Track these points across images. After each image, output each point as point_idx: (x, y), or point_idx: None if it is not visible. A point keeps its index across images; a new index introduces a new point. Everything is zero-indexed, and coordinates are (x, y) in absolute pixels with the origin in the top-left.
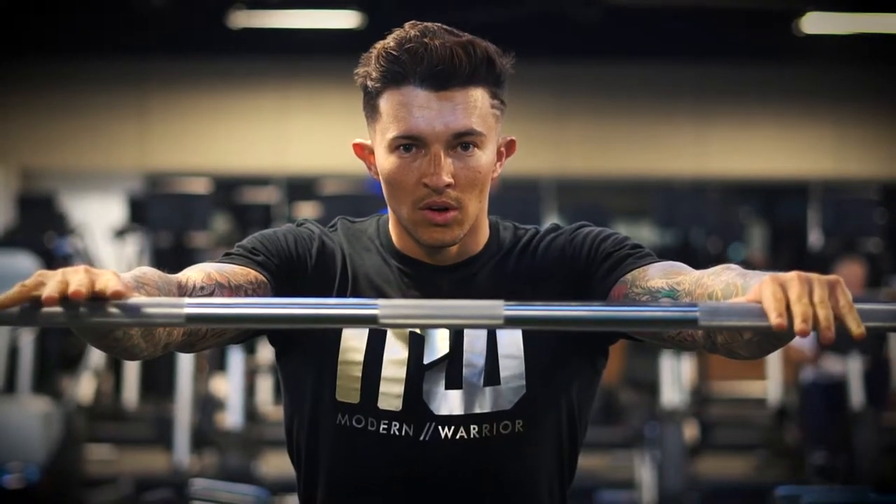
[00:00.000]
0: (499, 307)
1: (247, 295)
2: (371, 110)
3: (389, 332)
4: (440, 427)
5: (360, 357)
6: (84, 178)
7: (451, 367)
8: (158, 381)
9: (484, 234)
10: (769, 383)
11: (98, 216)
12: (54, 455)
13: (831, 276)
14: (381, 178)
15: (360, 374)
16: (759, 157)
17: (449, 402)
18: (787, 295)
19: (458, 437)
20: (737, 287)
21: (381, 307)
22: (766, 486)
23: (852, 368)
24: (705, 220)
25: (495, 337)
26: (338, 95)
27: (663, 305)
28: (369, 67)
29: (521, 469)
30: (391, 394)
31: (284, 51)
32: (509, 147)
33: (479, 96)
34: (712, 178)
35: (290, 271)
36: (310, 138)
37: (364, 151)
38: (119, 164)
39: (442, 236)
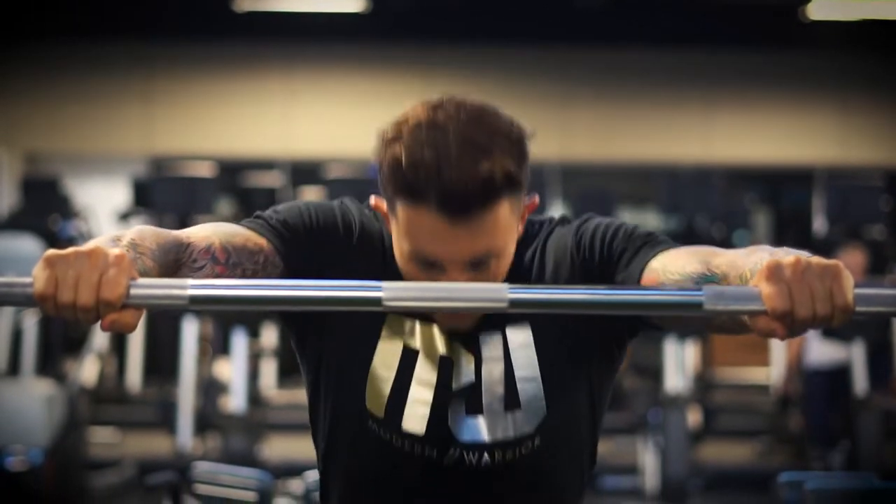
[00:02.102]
0: (503, 290)
1: (244, 274)
2: (388, 201)
3: (421, 354)
4: (465, 453)
5: (392, 374)
6: (89, 162)
7: (473, 393)
8: (162, 365)
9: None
10: (772, 369)
11: (103, 199)
12: (58, 438)
13: (831, 262)
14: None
15: (388, 390)
16: (764, 143)
17: (472, 428)
18: (791, 298)
19: (482, 462)
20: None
21: (385, 290)
22: (769, 472)
23: (856, 354)
24: (710, 207)
25: (511, 361)
26: (343, 79)
27: (668, 289)
28: (384, 164)
29: (544, 486)
30: (416, 415)
31: (290, 34)
32: (531, 206)
33: (499, 213)
34: (717, 164)
35: (314, 246)
36: (315, 122)
37: (383, 209)
38: (124, 147)
39: (459, 324)
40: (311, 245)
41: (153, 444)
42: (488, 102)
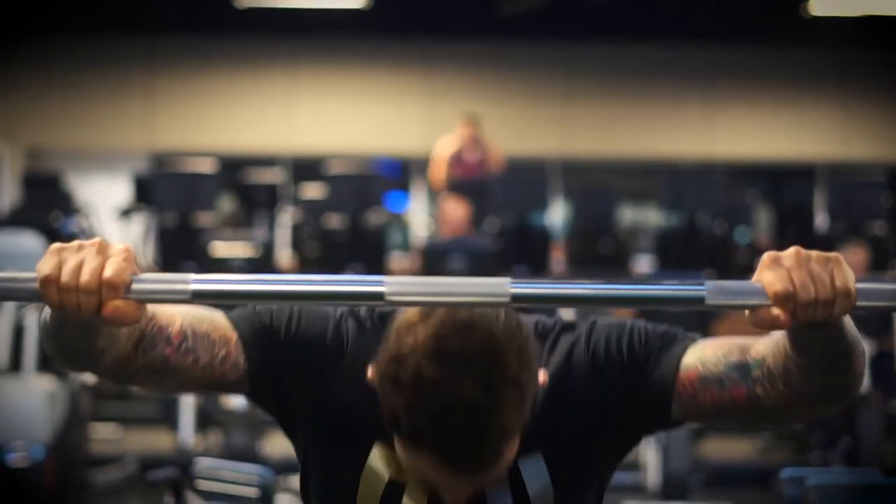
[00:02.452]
0: (505, 284)
1: (194, 363)
2: (387, 418)
3: (406, 496)
4: None
5: None
6: (90, 158)
7: None
8: None
9: None
10: None
11: (104, 195)
12: (59, 434)
13: (832, 255)
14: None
15: None
16: (766, 139)
17: None
18: (792, 282)
19: None
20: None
21: (387, 284)
22: (770, 468)
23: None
24: (711, 203)
25: (524, 490)
26: (345, 75)
27: (670, 284)
28: (381, 396)
29: None
30: None
31: (291, 30)
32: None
33: (507, 451)
34: (718, 160)
35: (291, 351)
36: (316, 118)
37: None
38: (125, 143)
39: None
40: (286, 351)
41: (155, 441)
42: (495, 320)
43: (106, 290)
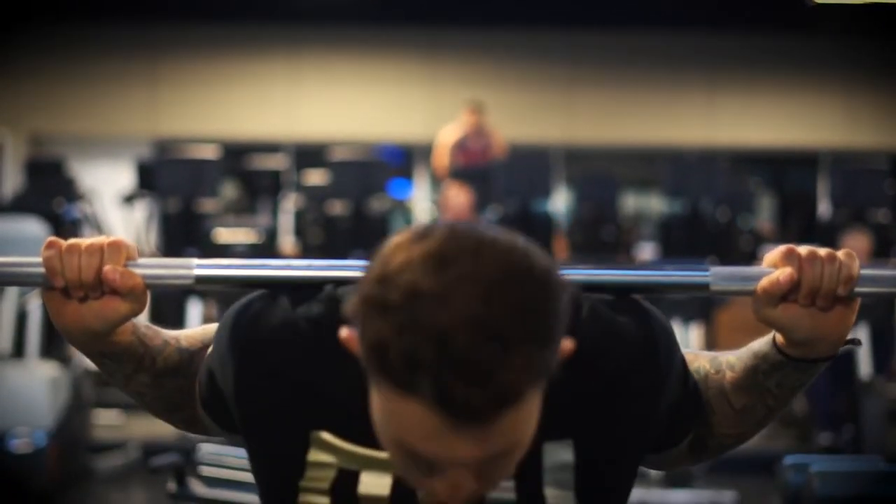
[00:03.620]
0: None
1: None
2: (367, 366)
3: (362, 483)
4: None
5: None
6: (94, 144)
7: None
8: None
9: None
10: None
11: (107, 182)
12: (62, 420)
13: (842, 251)
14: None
15: None
16: (769, 126)
17: None
18: (799, 262)
19: None
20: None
21: None
22: (773, 455)
23: (860, 337)
24: (714, 190)
25: (541, 463)
26: (348, 61)
27: (675, 270)
28: (363, 336)
29: None
30: None
31: (294, 16)
32: (565, 353)
33: (520, 409)
34: (722, 147)
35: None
36: (320, 104)
37: (356, 348)
38: (129, 129)
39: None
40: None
41: (157, 427)
42: (517, 240)
43: (108, 251)
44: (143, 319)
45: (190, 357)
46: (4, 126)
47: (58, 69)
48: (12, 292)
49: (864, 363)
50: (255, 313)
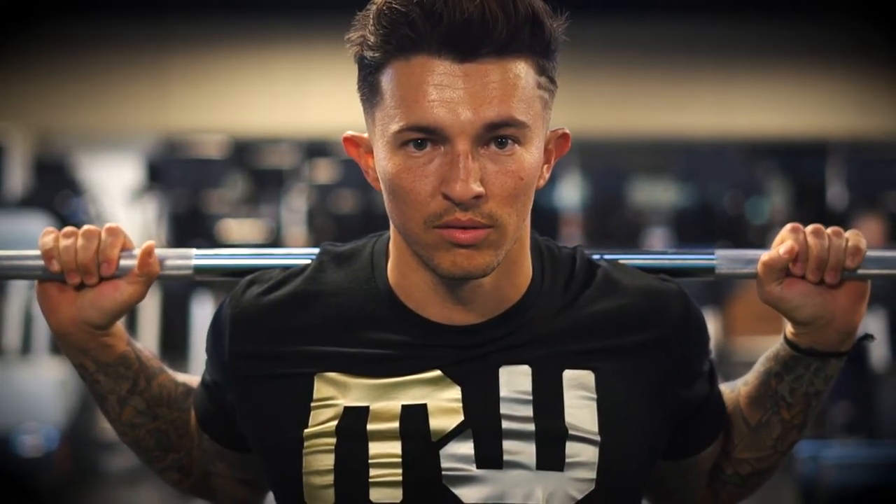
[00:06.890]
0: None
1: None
2: (369, 90)
3: (371, 421)
4: None
5: (332, 441)
6: (100, 140)
7: (481, 438)
8: (175, 344)
9: (526, 269)
10: None
11: (114, 177)
12: (72, 419)
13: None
14: (382, 185)
15: (331, 464)
16: (781, 113)
17: (483, 487)
18: (805, 240)
19: None
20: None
21: None
22: None
23: (876, 324)
24: (726, 178)
25: (560, 393)
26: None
27: (682, 254)
28: (366, 31)
29: None
30: (386, 480)
31: (303, 9)
32: (561, 143)
33: (520, 71)
34: (734, 135)
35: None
36: (328, 99)
37: (359, 149)
38: (135, 124)
39: (469, 263)
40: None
41: None
42: None
43: (106, 235)
44: (151, 333)
45: (186, 392)
46: (10, 122)
47: (64, 64)
48: (21, 290)
49: (880, 350)
50: (244, 283)
